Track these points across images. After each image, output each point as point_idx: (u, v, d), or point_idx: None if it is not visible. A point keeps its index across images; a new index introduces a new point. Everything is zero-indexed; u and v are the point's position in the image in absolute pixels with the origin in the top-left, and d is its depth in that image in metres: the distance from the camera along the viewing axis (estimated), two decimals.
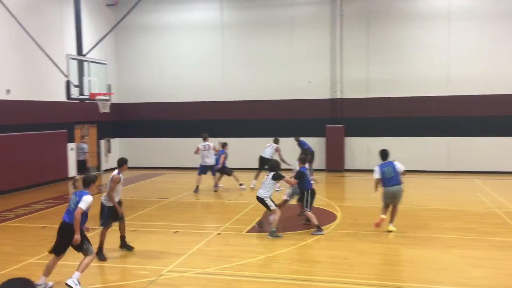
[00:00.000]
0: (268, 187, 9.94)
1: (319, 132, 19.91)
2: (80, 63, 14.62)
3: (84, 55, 15.44)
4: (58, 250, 7.02)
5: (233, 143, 19.45)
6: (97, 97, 15.06)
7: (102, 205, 8.60)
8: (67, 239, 6.89)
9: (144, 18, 21.46)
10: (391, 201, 9.98)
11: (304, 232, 10.10)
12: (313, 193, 10.26)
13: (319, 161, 19.39)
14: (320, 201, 12.81)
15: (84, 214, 6.98)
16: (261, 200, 9.92)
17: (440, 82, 19.04)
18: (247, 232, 10.27)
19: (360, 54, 19.73)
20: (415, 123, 19.41)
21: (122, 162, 8.76)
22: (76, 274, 6.87)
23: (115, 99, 19.84)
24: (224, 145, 15.73)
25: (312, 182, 10.65)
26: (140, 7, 18.00)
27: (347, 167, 19.88)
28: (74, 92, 14.29)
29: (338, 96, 20.01)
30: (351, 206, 12.95)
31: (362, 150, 19.79)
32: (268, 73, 20.59)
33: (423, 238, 9.62)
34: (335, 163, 19.72)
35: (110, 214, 8.53)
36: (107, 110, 15.75)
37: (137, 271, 7.81)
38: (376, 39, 19.57)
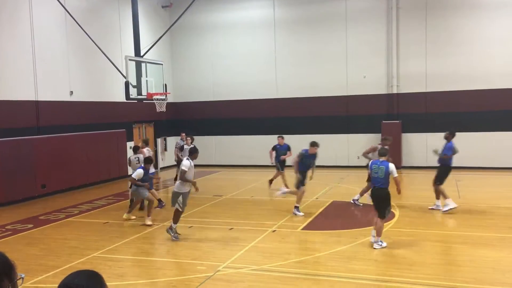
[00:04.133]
0: None
1: (375, 128, 19.47)
2: (138, 64, 15.01)
3: (141, 56, 15.86)
4: (382, 213, 8.47)
5: (286, 140, 19.39)
6: (154, 97, 15.42)
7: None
8: (383, 202, 8.45)
9: (197, 18, 21.81)
10: None
11: (362, 229, 9.91)
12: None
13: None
14: None
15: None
16: None
17: (503, 74, 18.08)
18: (302, 229, 10.21)
19: (418, 47, 19.08)
20: (477, 117, 18.54)
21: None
22: (377, 239, 8.41)
23: (170, 99, 20.29)
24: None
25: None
26: (193, 8, 18.31)
27: (404, 164, 19.33)
28: (133, 93, 14.69)
29: (395, 91, 19.48)
30: (409, 204, 12.57)
31: (420, 146, 19.17)
32: (322, 69, 20.35)
33: (489, 237, 9.18)
34: (392, 160, 19.12)
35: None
36: (163, 109, 16.12)
37: (195, 266, 7.95)
38: (434, 31, 18.85)
